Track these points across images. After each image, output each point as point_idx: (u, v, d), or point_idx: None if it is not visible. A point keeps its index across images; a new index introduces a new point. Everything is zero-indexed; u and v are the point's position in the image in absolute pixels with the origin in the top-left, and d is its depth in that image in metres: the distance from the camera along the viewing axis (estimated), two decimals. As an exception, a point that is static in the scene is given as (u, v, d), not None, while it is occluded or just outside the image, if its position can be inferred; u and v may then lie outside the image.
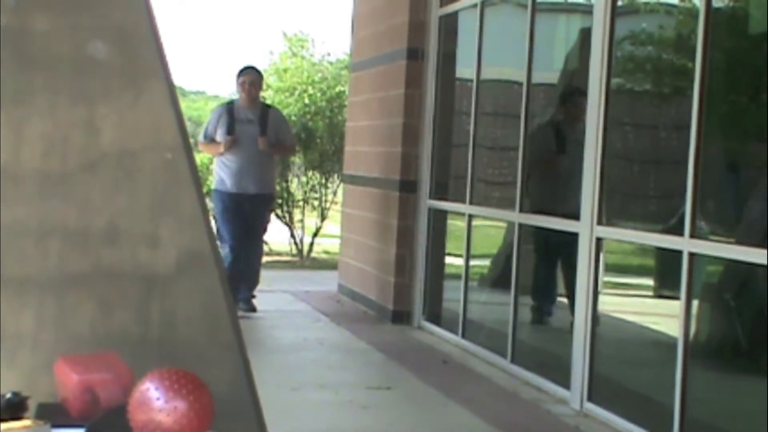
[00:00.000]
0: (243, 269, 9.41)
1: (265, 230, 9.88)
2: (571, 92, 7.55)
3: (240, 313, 8.53)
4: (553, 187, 7.60)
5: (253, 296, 9.61)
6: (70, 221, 3.03)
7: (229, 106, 9.70)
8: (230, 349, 3.06)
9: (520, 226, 7.43)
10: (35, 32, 3.03)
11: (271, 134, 9.46)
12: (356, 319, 9.49)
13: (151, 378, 2.57)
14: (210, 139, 9.58)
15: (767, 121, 5.50)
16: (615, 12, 6.34)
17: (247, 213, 9.39)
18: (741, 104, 5.90)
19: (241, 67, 9.69)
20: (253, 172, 9.38)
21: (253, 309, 9.48)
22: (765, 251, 4.98)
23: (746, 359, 5.72)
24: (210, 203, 14.69)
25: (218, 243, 8.90)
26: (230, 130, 9.37)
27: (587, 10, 6.78)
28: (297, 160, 16.68)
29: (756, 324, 5.71)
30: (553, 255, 7.55)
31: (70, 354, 2.86)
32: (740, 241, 5.55)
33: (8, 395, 2.69)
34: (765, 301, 5.52)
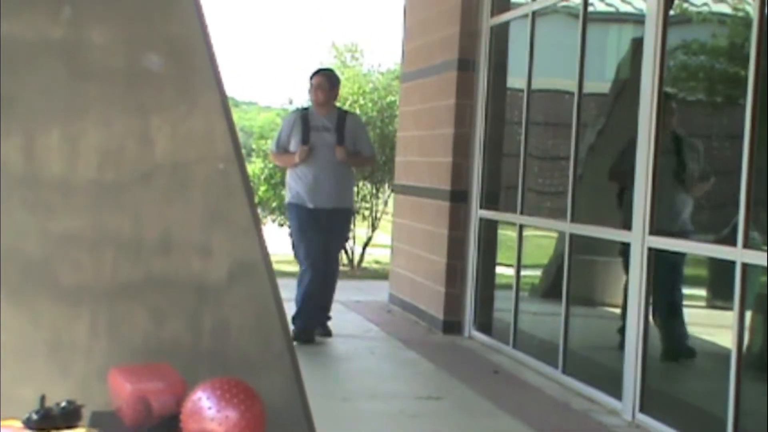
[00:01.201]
0: (319, 290, 8.73)
1: (342, 248, 9.37)
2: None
3: (317, 338, 8.65)
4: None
5: (329, 318, 9.01)
6: (124, 231, 3.05)
7: (304, 113, 8.95)
8: (281, 358, 3.07)
9: (571, 236, 7.40)
10: (91, 44, 3.06)
11: (349, 143, 8.70)
12: (407, 329, 9.49)
13: (203, 387, 2.59)
14: (283, 149, 8.84)
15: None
16: (667, 21, 6.31)
17: (324, 229, 8.64)
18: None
19: (315, 70, 9.07)
20: (330, 185, 8.59)
21: (329, 333, 8.87)
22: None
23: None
24: (261, 215, 14.70)
25: (297, 261, 8.91)
26: (305, 139, 8.62)
27: (639, 20, 6.75)
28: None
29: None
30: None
31: (123, 364, 2.88)
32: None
33: (63, 404, 2.72)
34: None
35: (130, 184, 3.06)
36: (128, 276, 3.05)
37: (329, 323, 8.96)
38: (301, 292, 8.57)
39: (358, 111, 16.43)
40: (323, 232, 8.62)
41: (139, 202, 3.07)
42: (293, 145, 8.69)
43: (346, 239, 9.38)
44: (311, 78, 8.83)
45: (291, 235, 8.89)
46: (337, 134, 8.65)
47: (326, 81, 8.83)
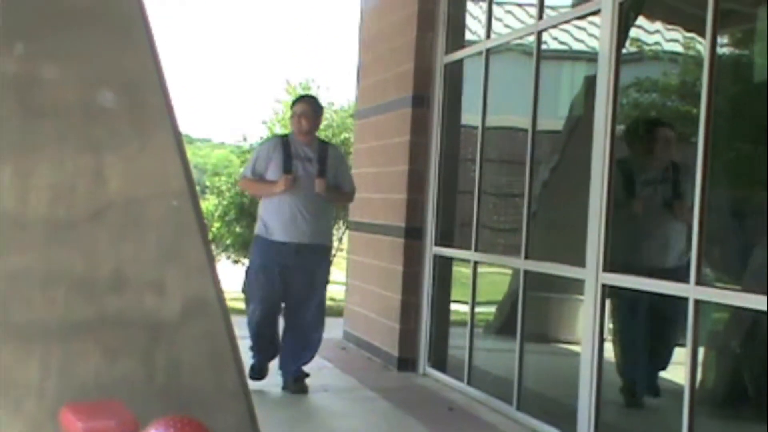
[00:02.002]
0: (293, 338, 8.06)
1: (323, 289, 8.25)
2: (647, 125, 6.91)
3: (287, 392, 7.96)
4: (637, 240, 6.72)
5: (306, 374, 8.10)
6: (76, 269, 3.03)
7: (284, 140, 8.23)
8: (236, 396, 3.05)
9: (526, 272, 7.42)
10: (44, 80, 3.05)
11: (330, 176, 8.07)
12: (361, 366, 9.46)
13: (156, 426, 2.56)
14: (258, 176, 8.08)
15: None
16: (620, 59, 6.36)
17: (298, 267, 7.92)
18: (746, 151, 5.91)
19: (297, 96, 8.61)
20: (308, 219, 7.92)
21: (304, 389, 8.00)
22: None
23: (752, 407, 5.69)
24: (213, 253, 14.61)
25: (248, 299, 8.18)
26: (287, 167, 7.93)
27: (592, 58, 6.80)
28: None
29: (762, 372, 5.69)
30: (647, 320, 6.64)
31: (75, 402, 2.85)
32: (746, 288, 5.54)
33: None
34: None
35: (82, 221, 3.05)
36: (80, 313, 3.03)
37: (307, 380, 8.11)
38: (252, 331, 8.05)
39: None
40: (293, 271, 7.94)
41: (91, 239, 3.05)
42: (271, 172, 7.99)
43: (327, 280, 8.30)
44: (294, 105, 8.34)
45: (248, 270, 8.20)
46: (319, 165, 8.04)
47: (311, 109, 8.23)
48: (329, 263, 8.35)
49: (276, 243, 7.92)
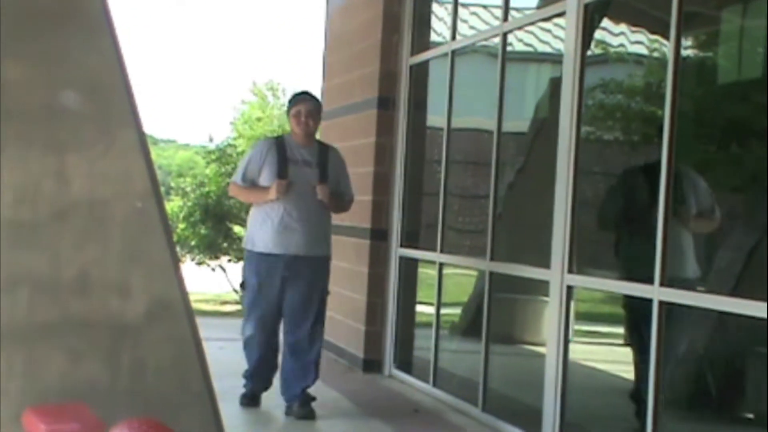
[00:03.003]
0: (293, 358, 7.32)
1: (323, 304, 7.44)
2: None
3: (290, 419, 7.24)
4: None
5: (313, 398, 7.34)
6: (40, 270, 3.01)
7: (279, 141, 7.42)
8: (200, 398, 3.04)
9: (491, 274, 7.43)
10: (7, 81, 3.02)
11: (332, 182, 7.35)
12: (327, 368, 9.43)
13: (120, 428, 2.55)
14: (250, 182, 7.33)
15: (736, 171, 5.56)
16: (585, 61, 6.39)
17: (294, 282, 7.23)
18: (710, 153, 5.94)
19: (294, 93, 7.61)
20: (305, 229, 7.21)
21: (311, 414, 7.25)
22: (735, 300, 5.00)
23: (715, 408, 5.72)
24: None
25: (245, 316, 7.43)
26: (282, 173, 7.19)
27: (557, 60, 6.83)
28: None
29: (725, 373, 5.73)
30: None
31: (38, 404, 2.83)
32: (710, 290, 5.57)
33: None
34: (735, 349, 5.54)
35: (46, 223, 3.03)
36: (44, 315, 3.01)
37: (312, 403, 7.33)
38: (249, 353, 7.44)
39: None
40: (285, 289, 7.25)
41: (55, 240, 3.03)
42: (265, 178, 7.23)
43: (326, 294, 7.48)
44: (294, 103, 7.40)
45: (242, 285, 7.48)
46: (320, 170, 7.29)
47: (315, 108, 7.43)
48: (328, 274, 7.50)
49: (265, 256, 7.22)
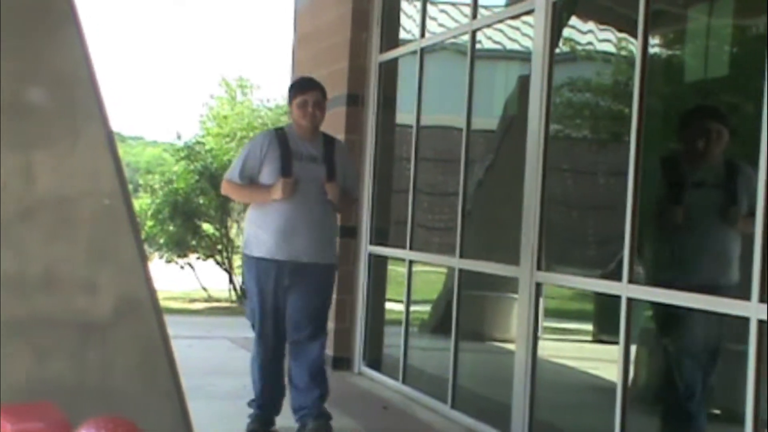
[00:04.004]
0: (301, 371, 6.63)
1: (326, 313, 6.77)
2: (694, 116, 5.82)
3: None
4: (682, 251, 5.72)
5: (329, 416, 6.68)
6: (7, 268, 2.99)
7: (280, 134, 6.61)
8: (169, 396, 3.03)
9: (460, 271, 7.45)
10: (-28, 77, 3.00)
11: (340, 179, 6.62)
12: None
13: (87, 427, 2.53)
14: (248, 180, 6.55)
15: (701, 168, 5.58)
16: (553, 59, 6.41)
17: (297, 291, 6.53)
18: (677, 150, 5.97)
19: (296, 80, 6.92)
20: (310, 232, 6.47)
21: (328, 427, 6.60)
22: (701, 297, 5.03)
23: (682, 403, 5.75)
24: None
25: (254, 332, 6.71)
26: (287, 169, 6.43)
27: (526, 57, 6.84)
28: (237, 205, 16.68)
29: (691, 368, 5.75)
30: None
31: (4, 403, 2.81)
32: (677, 286, 5.60)
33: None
34: (700, 345, 5.57)
35: (12, 220, 3.00)
36: (11, 313, 2.99)
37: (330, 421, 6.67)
38: (255, 372, 6.74)
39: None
40: (291, 297, 6.54)
41: (22, 238, 3.01)
42: (266, 175, 6.47)
43: (329, 304, 6.83)
44: (298, 92, 6.63)
45: (243, 291, 6.94)
46: (327, 166, 6.54)
47: (323, 97, 6.66)
48: (332, 284, 6.80)
49: (266, 261, 6.49)
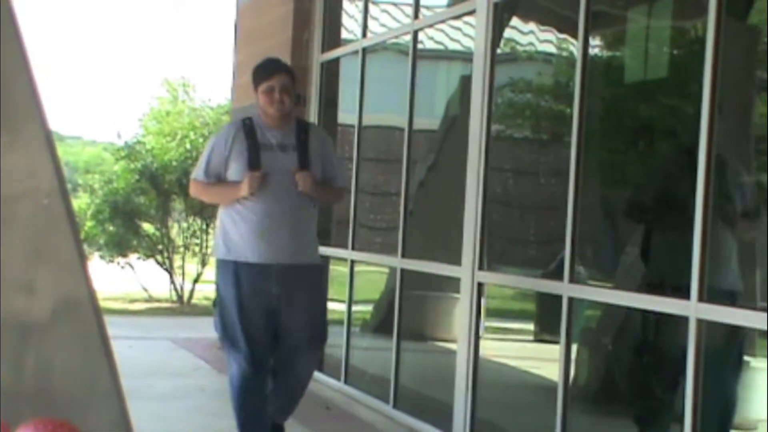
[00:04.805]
0: (281, 390, 5.96)
1: (320, 323, 6.03)
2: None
3: None
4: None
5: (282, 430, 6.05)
6: (-58, 269, 2.95)
7: (247, 124, 5.87)
8: (109, 398, 3.00)
9: (402, 271, 7.46)
10: None
11: (315, 168, 5.85)
12: (238, 366, 9.39)
13: (25, 428, 2.50)
14: (215, 178, 5.87)
15: (643, 168, 5.63)
16: (495, 59, 6.43)
17: (281, 298, 5.73)
18: (618, 151, 6.01)
19: (260, 63, 6.05)
20: (287, 230, 5.73)
21: None
22: (641, 296, 5.07)
23: (622, 402, 5.80)
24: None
25: (225, 350, 5.95)
26: (253, 162, 5.74)
27: (467, 58, 6.86)
28: (178, 205, 16.60)
29: (632, 367, 5.80)
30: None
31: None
32: (617, 286, 5.64)
33: None
34: (641, 344, 5.62)
35: (-52, 220, 2.96)
36: (-54, 315, 2.95)
37: None
38: (235, 398, 5.88)
39: (188, 146, 16.30)
40: (273, 306, 5.74)
41: (-42, 238, 2.97)
42: (233, 171, 5.80)
43: (323, 310, 6.15)
44: (263, 77, 5.88)
45: (215, 303, 5.91)
46: (299, 155, 5.81)
47: (290, 81, 5.91)
48: (321, 289, 6.24)
49: (246, 266, 5.73)
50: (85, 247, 14.21)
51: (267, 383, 5.89)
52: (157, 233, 16.68)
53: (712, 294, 4.56)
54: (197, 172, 5.98)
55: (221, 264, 5.83)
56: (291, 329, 5.80)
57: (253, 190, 5.67)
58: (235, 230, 5.76)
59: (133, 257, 17.07)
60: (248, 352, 5.73)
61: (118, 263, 17.09)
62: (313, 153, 5.86)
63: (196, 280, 16.51)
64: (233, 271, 5.74)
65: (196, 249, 16.71)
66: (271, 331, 5.78)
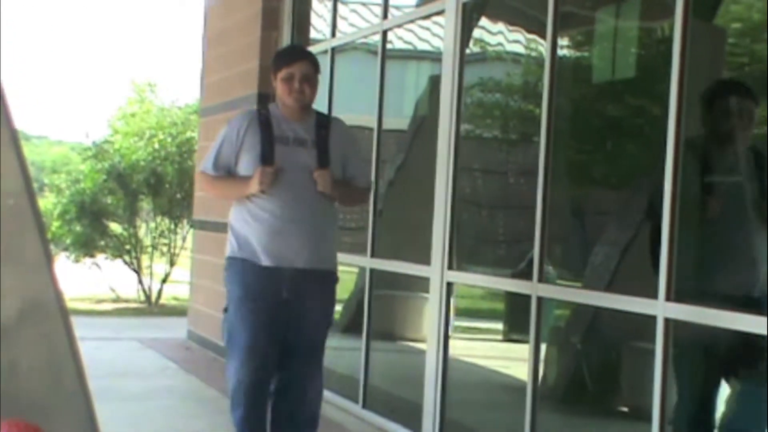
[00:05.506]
0: (288, 401, 5.40)
1: (326, 334, 5.58)
2: (717, 94, 4.94)
3: None
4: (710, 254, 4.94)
5: None
6: None
7: (263, 115, 5.40)
8: (75, 398, 2.98)
9: (372, 271, 7.45)
10: None
11: (335, 165, 5.38)
12: (206, 366, 9.37)
13: (-8, 431, 2.49)
14: (225, 171, 5.39)
15: (611, 168, 5.64)
16: (464, 59, 6.43)
17: (293, 304, 5.29)
18: (586, 151, 6.03)
19: (281, 50, 5.69)
20: (304, 232, 5.26)
21: None
22: (609, 295, 5.09)
23: (591, 401, 5.81)
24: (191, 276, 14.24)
25: (226, 360, 5.44)
26: (267, 156, 5.26)
27: (437, 58, 6.86)
28: (146, 205, 16.53)
29: (600, 366, 5.82)
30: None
31: None
32: (586, 286, 5.66)
33: None
34: (609, 344, 5.64)
35: None
36: None
37: None
38: (236, 405, 5.34)
39: (156, 146, 16.24)
40: (281, 313, 5.28)
41: (-77, 238, 2.95)
42: (244, 165, 5.32)
43: (329, 323, 5.57)
44: (283, 64, 5.41)
45: (226, 310, 5.40)
46: (318, 151, 5.33)
47: (314, 69, 5.46)
48: (334, 299, 5.58)
49: (256, 267, 5.26)
50: (52, 247, 14.12)
51: (268, 393, 5.39)
52: (125, 233, 16.60)
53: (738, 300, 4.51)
54: (205, 164, 5.46)
55: (230, 262, 5.38)
56: (296, 335, 5.35)
57: (264, 187, 5.20)
58: (246, 229, 5.29)
59: (100, 257, 16.98)
60: (250, 353, 5.25)
61: (85, 263, 16.99)
62: (334, 149, 5.38)
63: (164, 281, 16.44)
64: (241, 271, 5.30)
65: (164, 249, 16.64)
66: (276, 345, 5.30)
